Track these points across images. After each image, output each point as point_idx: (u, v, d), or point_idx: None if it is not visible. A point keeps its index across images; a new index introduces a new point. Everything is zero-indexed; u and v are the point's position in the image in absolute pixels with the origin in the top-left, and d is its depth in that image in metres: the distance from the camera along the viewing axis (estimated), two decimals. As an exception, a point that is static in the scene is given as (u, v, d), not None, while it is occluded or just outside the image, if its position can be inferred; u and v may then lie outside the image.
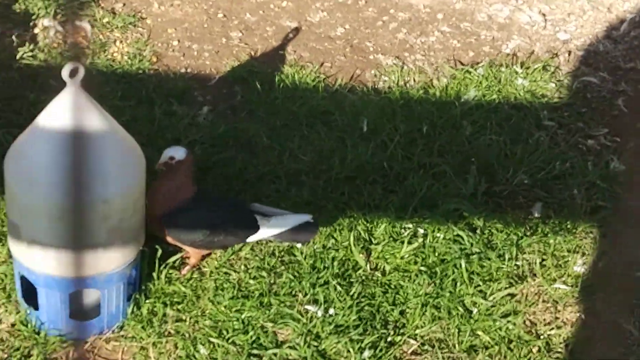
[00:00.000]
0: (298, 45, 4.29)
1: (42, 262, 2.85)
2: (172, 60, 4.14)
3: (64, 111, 2.75)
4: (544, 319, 3.22)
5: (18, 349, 2.93)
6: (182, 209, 3.07)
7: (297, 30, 4.37)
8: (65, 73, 2.71)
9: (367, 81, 4.12)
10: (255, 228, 3.14)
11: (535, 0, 4.67)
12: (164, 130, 3.70)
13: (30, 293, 2.97)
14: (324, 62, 4.20)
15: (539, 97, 4.08)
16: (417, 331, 3.11)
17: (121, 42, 4.16)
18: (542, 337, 3.15)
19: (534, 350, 3.12)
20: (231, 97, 3.98)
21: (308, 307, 3.12)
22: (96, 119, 2.77)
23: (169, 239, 3.10)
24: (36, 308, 2.97)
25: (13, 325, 3.00)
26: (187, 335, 3.02)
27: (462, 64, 4.25)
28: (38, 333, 2.97)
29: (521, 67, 4.22)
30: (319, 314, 3.10)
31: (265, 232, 3.15)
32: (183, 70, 4.09)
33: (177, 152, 3.09)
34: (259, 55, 4.21)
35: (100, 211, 2.79)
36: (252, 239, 3.15)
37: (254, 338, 3.03)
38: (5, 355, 2.91)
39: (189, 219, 3.07)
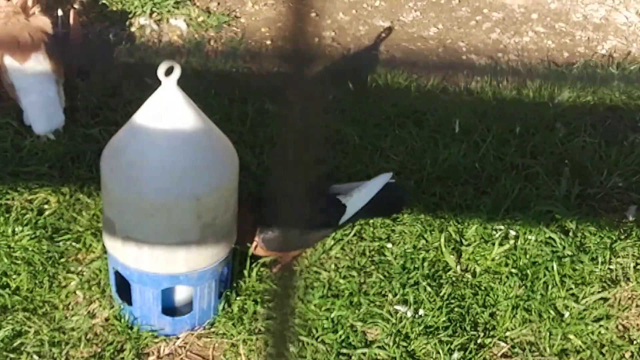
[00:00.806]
0: (390, 45, 4.28)
1: (137, 258, 2.89)
2: (265, 59, 4.16)
3: (159, 109, 2.79)
4: (637, 324, 3.17)
5: (111, 344, 2.98)
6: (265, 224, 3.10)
7: (389, 29, 4.37)
8: (161, 72, 2.75)
9: (460, 81, 4.10)
10: (342, 209, 3.16)
11: (632, 0, 4.60)
12: (256, 129, 3.73)
13: (123, 288, 3.02)
14: (417, 62, 4.19)
15: (635, 99, 4.02)
16: (508, 333, 3.09)
17: (215, 41, 4.20)
18: (635, 342, 3.11)
19: (627, 355, 3.07)
20: (323, 97, 3.99)
21: (398, 307, 3.12)
22: (191, 117, 2.80)
23: (264, 253, 3.14)
24: (130, 303, 3.01)
25: (107, 319, 3.05)
26: (277, 333, 3.04)
27: (556, 64, 4.21)
28: (131, 328, 3.01)
29: (617, 68, 4.16)
30: (409, 314, 3.10)
31: (353, 208, 3.16)
32: (276, 69, 4.12)
33: None
34: (351, 54, 4.21)
35: (193, 208, 2.82)
36: (343, 219, 3.17)
37: (343, 337, 3.04)
38: (99, 350, 2.96)
39: (277, 230, 3.09)
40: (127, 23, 4.18)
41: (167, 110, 2.79)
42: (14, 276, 3.12)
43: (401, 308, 3.12)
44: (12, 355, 2.92)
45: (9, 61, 3.60)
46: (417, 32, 4.38)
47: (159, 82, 2.76)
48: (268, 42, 4.25)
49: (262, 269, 3.19)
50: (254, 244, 3.11)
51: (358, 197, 3.19)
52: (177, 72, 2.77)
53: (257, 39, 4.26)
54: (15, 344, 2.95)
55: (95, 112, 3.72)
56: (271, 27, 4.33)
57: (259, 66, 4.12)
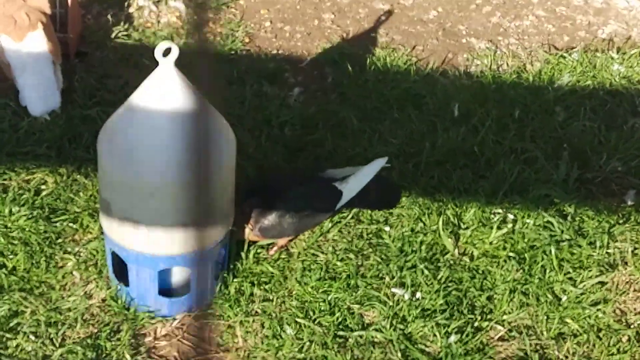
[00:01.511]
0: (390, 28, 4.27)
1: (133, 239, 2.88)
2: (264, 41, 4.15)
3: (157, 90, 2.77)
4: (635, 308, 3.17)
5: (108, 324, 2.97)
6: (262, 211, 3.10)
7: (389, 12, 4.35)
8: (158, 52, 2.73)
9: (460, 65, 4.09)
10: (338, 195, 3.16)
11: (633, -15, 4.58)
12: (254, 111, 3.72)
13: (120, 269, 3.01)
14: (416, 45, 4.18)
15: (635, 84, 4.00)
16: (505, 317, 3.08)
17: (214, 22, 4.18)
18: (632, 326, 3.10)
19: (624, 339, 3.07)
20: (322, 79, 3.98)
21: (395, 290, 3.12)
22: (188, 99, 2.79)
23: (259, 239, 3.14)
24: (126, 284, 3.00)
25: (104, 300, 3.04)
26: (273, 315, 3.04)
27: (556, 48, 4.20)
28: (128, 309, 3.01)
29: (617, 52, 4.15)
30: (406, 297, 3.09)
31: (349, 193, 3.17)
32: (275, 51, 4.10)
33: None
34: (350, 37, 4.20)
35: (190, 189, 2.81)
36: (339, 205, 3.17)
37: (340, 319, 3.03)
38: (96, 330, 2.96)
39: (274, 217, 3.09)
40: (126, 4, 4.16)
41: (165, 91, 2.77)
42: (11, 256, 3.11)
43: (398, 291, 3.11)
44: (8, 335, 2.92)
45: (5, 41, 3.58)
46: (417, 15, 4.36)
47: (156, 63, 2.75)
48: (267, 24, 4.23)
49: (259, 251, 3.18)
50: (248, 231, 3.11)
51: (354, 182, 3.19)
52: (174, 53, 2.76)
53: (256, 21, 4.24)
54: (11, 324, 2.94)
55: (93, 93, 3.71)
56: (270, 9, 4.31)
57: (257, 48, 4.10)
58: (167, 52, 2.75)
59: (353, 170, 3.23)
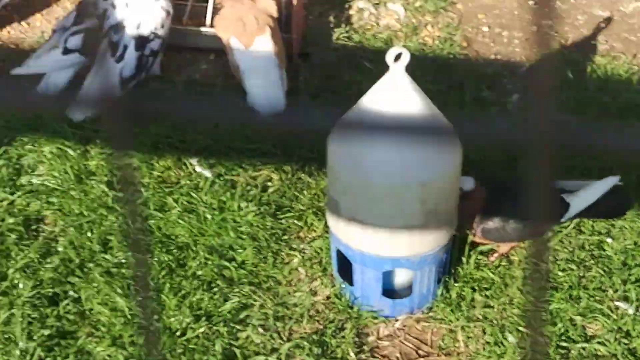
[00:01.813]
0: (610, 35, 4.20)
1: (360, 239, 2.93)
2: (482, 46, 4.15)
3: (387, 94, 2.82)
4: None
5: (332, 322, 3.03)
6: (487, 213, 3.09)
7: (608, 19, 4.28)
8: (389, 57, 2.77)
9: (683, 75, 3.99)
10: (565, 207, 3.12)
11: None
12: (473, 117, 3.72)
13: (344, 268, 3.06)
14: (637, 54, 4.10)
15: None
16: None
17: (432, 26, 4.20)
18: None
19: None
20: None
21: (618, 303, 3.08)
22: (418, 103, 2.82)
23: (480, 241, 3.14)
24: (350, 283, 3.06)
25: (328, 298, 3.10)
26: (495, 321, 3.04)
27: None
28: (351, 307, 3.06)
29: None
30: (630, 311, 3.05)
31: (577, 207, 3.13)
32: (493, 56, 4.10)
33: (465, 184, 3.05)
34: (569, 44, 4.15)
35: (418, 194, 2.84)
36: (565, 217, 3.13)
37: (562, 330, 3.01)
38: (321, 327, 3.02)
39: (498, 220, 3.08)
40: (347, 5, 4.22)
41: (395, 95, 2.81)
42: (240, 250, 3.21)
43: (622, 304, 3.07)
44: (238, 327, 3.01)
45: (235, 43, 3.68)
46: (638, 23, 4.28)
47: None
48: (485, 29, 4.22)
49: (479, 257, 3.19)
50: (473, 231, 3.12)
51: (583, 197, 3.14)
52: (405, 58, 2.79)
53: (474, 25, 4.24)
54: (241, 316, 3.04)
55: (317, 94, 3.78)
56: (488, 13, 4.30)
57: (475, 53, 4.11)
58: (397, 57, 2.79)
59: (583, 184, 3.18)
